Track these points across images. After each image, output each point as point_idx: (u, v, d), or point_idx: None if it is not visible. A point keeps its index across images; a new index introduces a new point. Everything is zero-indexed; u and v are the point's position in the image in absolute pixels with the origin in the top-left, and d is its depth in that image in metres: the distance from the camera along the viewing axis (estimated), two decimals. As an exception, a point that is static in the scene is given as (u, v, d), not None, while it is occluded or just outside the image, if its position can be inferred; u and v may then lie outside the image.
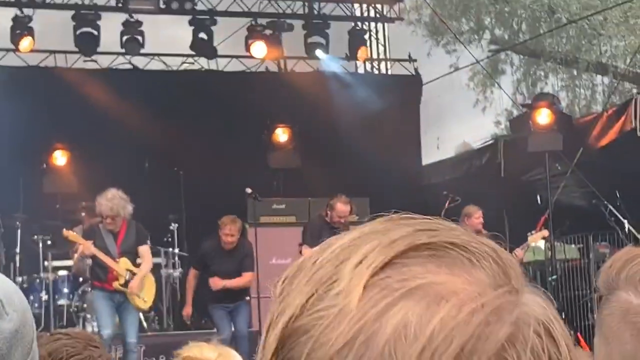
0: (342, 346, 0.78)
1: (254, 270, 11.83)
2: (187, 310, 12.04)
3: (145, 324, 12.54)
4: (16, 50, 15.22)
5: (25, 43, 15.06)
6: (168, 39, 16.56)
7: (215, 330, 12.94)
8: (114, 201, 10.86)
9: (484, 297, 0.80)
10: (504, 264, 0.84)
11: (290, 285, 0.86)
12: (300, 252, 11.73)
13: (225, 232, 11.70)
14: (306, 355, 0.79)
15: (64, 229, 11.34)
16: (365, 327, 0.79)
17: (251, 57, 16.27)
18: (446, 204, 13.63)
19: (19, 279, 12.25)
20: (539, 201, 14.75)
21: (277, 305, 0.86)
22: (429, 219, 0.88)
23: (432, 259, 0.82)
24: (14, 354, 1.93)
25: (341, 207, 11.81)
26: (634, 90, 17.20)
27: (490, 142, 17.73)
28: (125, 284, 10.96)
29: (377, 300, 0.79)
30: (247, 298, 12.04)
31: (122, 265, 10.98)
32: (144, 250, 11.27)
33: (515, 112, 20.46)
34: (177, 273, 13.34)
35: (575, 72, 21.03)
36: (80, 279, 12.52)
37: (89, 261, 11.10)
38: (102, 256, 10.81)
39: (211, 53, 15.97)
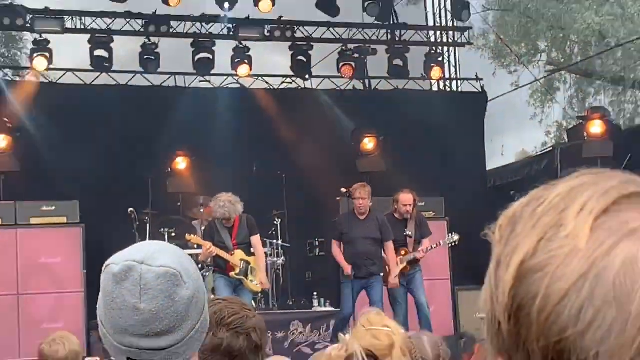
0: (576, 280, 0.79)
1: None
2: (347, 270, 11.23)
3: (253, 304, 12.63)
4: (144, 72, 15.50)
5: (151, 66, 15.37)
6: (270, 62, 16.71)
7: (312, 310, 13.06)
8: (225, 208, 10.93)
9: None
10: None
11: (511, 232, 0.86)
12: None
13: (356, 196, 11.37)
14: (545, 289, 0.80)
15: (187, 234, 11.45)
16: (596, 263, 0.79)
17: (341, 77, 16.31)
18: (512, 202, 13.52)
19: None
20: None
21: (501, 247, 0.86)
22: (621, 172, 0.87)
23: None
24: (190, 314, 2.13)
25: (404, 196, 11.53)
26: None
27: (549, 149, 17.60)
28: (240, 273, 11.11)
29: (603, 240, 0.80)
30: (381, 274, 11.34)
31: (237, 256, 11.10)
32: (256, 240, 11.29)
33: (565, 124, 20.35)
34: (280, 261, 13.37)
35: (621, 89, 20.80)
36: (200, 265, 12.66)
37: None
38: (220, 253, 10.98)
39: (308, 74, 16.03)
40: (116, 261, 2.11)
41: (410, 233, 11.51)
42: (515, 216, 0.87)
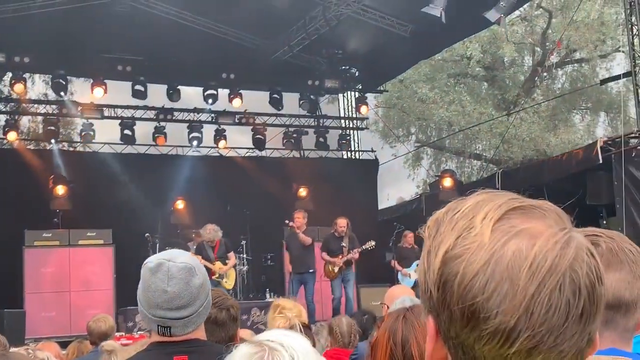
0: (483, 264, 0.77)
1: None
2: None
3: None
4: (155, 145, 15.29)
5: (160, 141, 15.25)
6: (239, 139, 16.57)
7: (265, 300, 12.54)
8: (210, 234, 10.91)
9: (557, 235, 0.79)
10: (560, 216, 0.82)
11: (436, 232, 0.83)
12: (322, 256, 11.38)
13: (293, 217, 11.51)
14: (462, 270, 0.78)
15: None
16: (495, 253, 0.77)
17: (285, 149, 16.30)
18: (395, 230, 13.68)
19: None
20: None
21: (430, 241, 0.83)
22: (509, 192, 0.84)
23: (523, 215, 0.80)
24: (200, 295, 2.09)
25: (340, 221, 11.33)
26: (495, 169, 17.30)
27: (418, 196, 17.73)
28: (218, 277, 10.95)
29: (499, 238, 0.78)
30: (311, 270, 11.21)
31: (217, 266, 10.97)
32: (231, 255, 11.24)
33: (428, 180, 20.42)
34: (245, 268, 13.12)
35: (462, 158, 21.20)
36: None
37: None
38: (207, 264, 10.70)
39: (263, 147, 16.02)
40: (151, 260, 2.09)
41: (345, 245, 11.26)
42: (438, 220, 0.84)
